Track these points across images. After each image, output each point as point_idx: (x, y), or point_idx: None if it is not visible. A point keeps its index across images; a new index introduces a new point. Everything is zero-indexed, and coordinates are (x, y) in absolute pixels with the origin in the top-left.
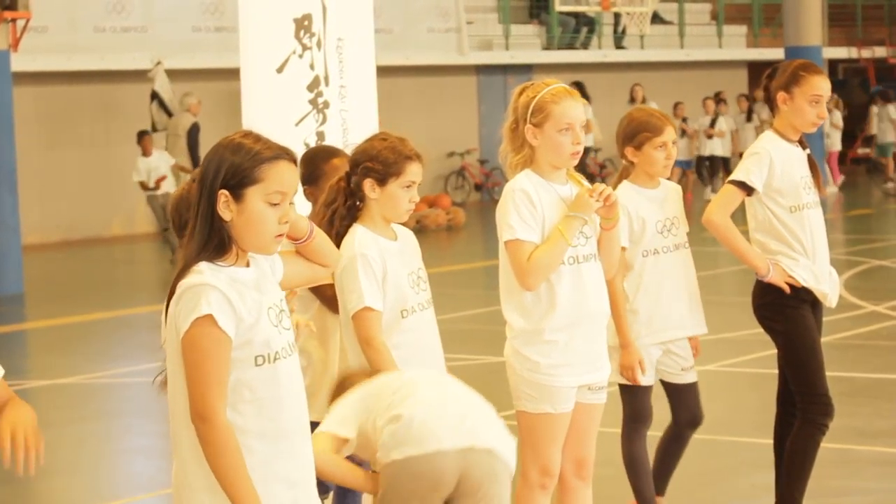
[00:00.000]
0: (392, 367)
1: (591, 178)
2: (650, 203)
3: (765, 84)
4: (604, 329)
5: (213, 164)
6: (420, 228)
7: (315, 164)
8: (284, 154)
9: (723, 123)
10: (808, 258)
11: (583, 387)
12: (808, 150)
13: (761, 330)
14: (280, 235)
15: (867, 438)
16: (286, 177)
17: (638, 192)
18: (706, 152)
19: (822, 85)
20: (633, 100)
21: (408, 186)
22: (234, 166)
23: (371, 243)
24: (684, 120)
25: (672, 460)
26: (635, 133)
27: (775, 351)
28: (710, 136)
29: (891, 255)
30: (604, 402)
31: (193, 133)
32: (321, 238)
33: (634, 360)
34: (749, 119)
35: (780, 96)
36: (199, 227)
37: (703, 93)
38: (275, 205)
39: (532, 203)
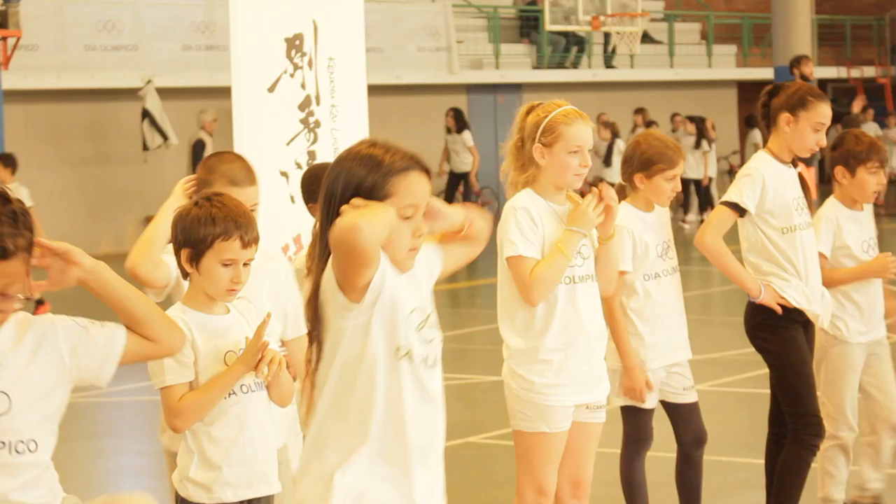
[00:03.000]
0: None
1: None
2: (648, 227)
3: (764, 100)
4: (601, 349)
5: (339, 179)
6: None
7: (320, 180)
8: (415, 164)
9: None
10: (801, 279)
11: (581, 406)
12: (799, 169)
13: (751, 350)
14: (414, 249)
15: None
16: (418, 188)
17: (638, 215)
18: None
19: (827, 113)
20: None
21: None
22: (362, 180)
23: None
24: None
25: (692, 487)
26: (650, 163)
27: (766, 371)
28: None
29: None
30: (602, 421)
31: (198, 149)
32: (478, 218)
33: (641, 382)
34: (697, 145)
35: (784, 117)
36: (326, 245)
37: (693, 112)
38: (407, 218)
39: (533, 220)
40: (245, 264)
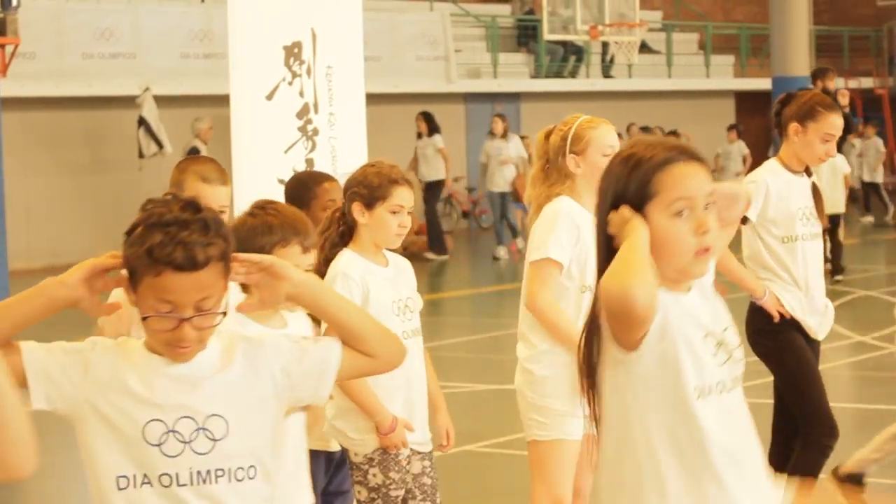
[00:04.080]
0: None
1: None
2: None
3: (777, 109)
4: None
5: (607, 183)
6: (407, 255)
7: (307, 186)
8: (678, 154)
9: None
10: (800, 290)
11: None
12: (813, 178)
13: (754, 358)
14: (705, 250)
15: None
16: (690, 180)
17: None
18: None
19: (837, 123)
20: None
21: (395, 211)
22: (626, 183)
23: (355, 265)
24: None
25: None
26: None
27: (768, 379)
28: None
29: (877, 285)
30: None
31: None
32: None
33: None
34: None
35: (793, 127)
36: (599, 255)
37: (691, 122)
38: (679, 214)
39: (576, 227)
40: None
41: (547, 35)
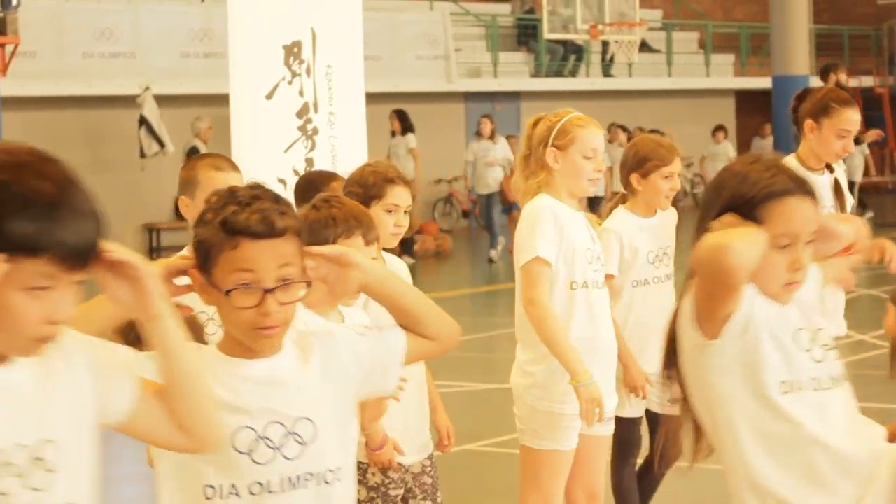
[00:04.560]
0: None
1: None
2: (643, 232)
3: (794, 106)
4: (614, 358)
5: (714, 192)
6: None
7: (315, 187)
8: (797, 187)
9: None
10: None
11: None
12: (835, 175)
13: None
14: (792, 284)
15: None
16: (799, 215)
17: (633, 220)
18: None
19: (852, 118)
20: (479, 134)
21: (391, 210)
22: (736, 198)
23: None
24: None
25: (643, 496)
26: (643, 161)
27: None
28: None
29: (877, 283)
30: (612, 433)
31: (190, 157)
32: (865, 228)
33: (641, 379)
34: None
35: (808, 124)
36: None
37: (691, 121)
38: (783, 248)
39: (559, 224)
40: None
41: (547, 34)
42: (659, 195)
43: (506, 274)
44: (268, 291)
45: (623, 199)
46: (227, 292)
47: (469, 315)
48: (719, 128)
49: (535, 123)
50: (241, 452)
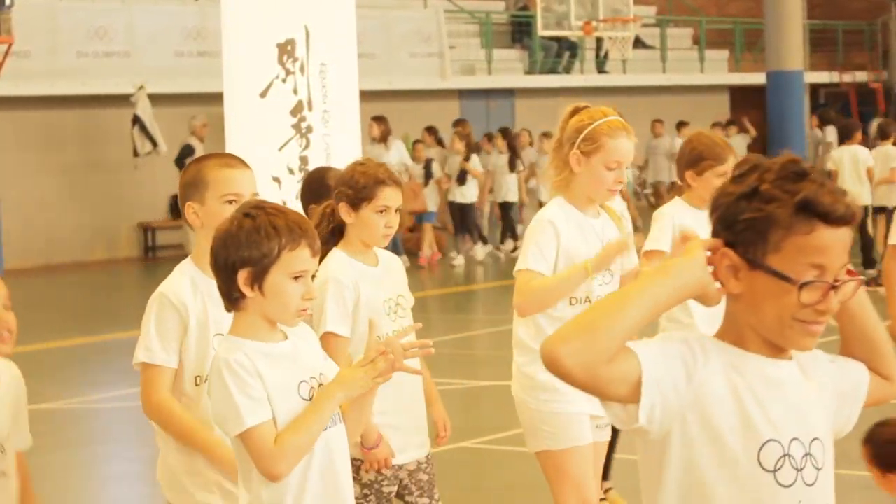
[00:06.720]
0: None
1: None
2: (696, 222)
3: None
4: None
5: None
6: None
7: (322, 182)
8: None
9: (477, 163)
10: None
11: (591, 419)
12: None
13: None
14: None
15: (853, 463)
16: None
17: (688, 210)
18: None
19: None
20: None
21: (382, 211)
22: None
23: (345, 268)
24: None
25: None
26: (699, 159)
27: None
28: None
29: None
30: (608, 438)
31: (185, 153)
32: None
33: None
34: (512, 167)
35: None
36: None
37: (685, 117)
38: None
39: (557, 234)
40: (312, 277)
41: (541, 31)
42: (712, 192)
43: (507, 272)
44: (833, 287)
45: (680, 191)
46: (801, 286)
47: (463, 312)
48: (716, 124)
49: (572, 114)
50: (766, 470)
